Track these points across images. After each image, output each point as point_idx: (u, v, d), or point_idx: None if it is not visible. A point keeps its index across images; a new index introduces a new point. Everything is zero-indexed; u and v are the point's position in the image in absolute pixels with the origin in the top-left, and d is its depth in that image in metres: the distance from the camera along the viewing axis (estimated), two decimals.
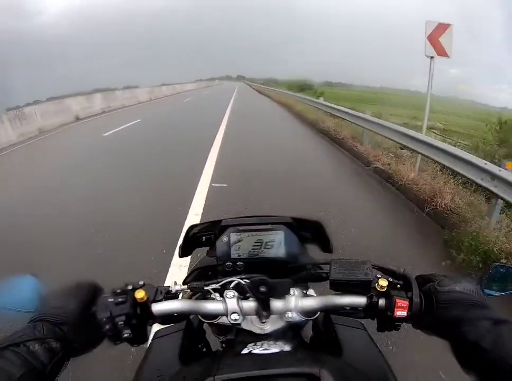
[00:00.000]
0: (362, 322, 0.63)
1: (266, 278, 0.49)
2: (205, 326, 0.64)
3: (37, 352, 0.38)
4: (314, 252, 0.65)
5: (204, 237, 0.64)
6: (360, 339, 0.60)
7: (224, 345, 0.63)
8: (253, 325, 0.52)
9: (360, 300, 0.49)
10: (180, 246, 0.64)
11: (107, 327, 0.43)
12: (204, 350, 0.65)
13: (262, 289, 0.48)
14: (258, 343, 0.47)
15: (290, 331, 0.57)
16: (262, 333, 0.51)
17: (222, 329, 0.61)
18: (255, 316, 0.51)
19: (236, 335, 0.57)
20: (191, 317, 0.62)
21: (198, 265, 0.66)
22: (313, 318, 0.53)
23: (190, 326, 0.63)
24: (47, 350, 0.39)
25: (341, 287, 0.50)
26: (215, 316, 0.51)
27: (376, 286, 0.47)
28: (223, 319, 0.51)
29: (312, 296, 0.54)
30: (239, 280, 0.50)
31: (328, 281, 0.51)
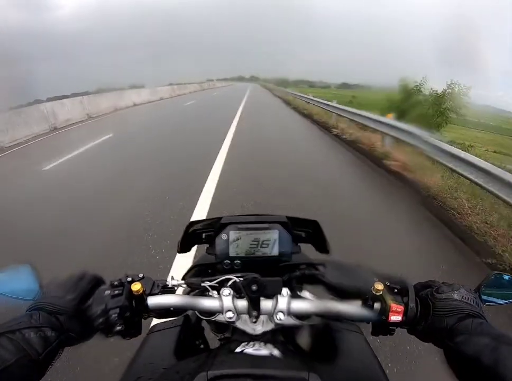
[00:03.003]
0: (359, 326, 0.63)
1: (258, 277, 0.49)
2: (204, 323, 0.65)
3: (32, 340, 0.39)
4: (312, 253, 0.65)
5: (204, 234, 0.64)
6: (356, 343, 0.59)
7: (221, 343, 0.63)
8: (246, 325, 0.52)
9: (356, 303, 0.48)
10: (179, 242, 0.65)
11: (100, 320, 0.44)
12: (202, 346, 0.65)
13: (254, 287, 0.48)
14: (251, 343, 0.47)
15: (284, 332, 0.57)
16: (254, 333, 0.51)
17: (220, 327, 0.61)
18: (246, 316, 0.50)
19: (232, 334, 0.57)
20: (189, 313, 0.62)
21: (198, 262, 0.66)
22: (305, 321, 0.52)
23: (187, 322, 0.63)
24: (42, 338, 0.40)
25: (335, 290, 0.50)
26: (212, 313, 0.51)
27: (372, 290, 0.47)
28: (220, 317, 0.51)
29: (306, 298, 0.54)
30: (234, 277, 0.50)
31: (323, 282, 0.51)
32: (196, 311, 0.52)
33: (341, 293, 0.50)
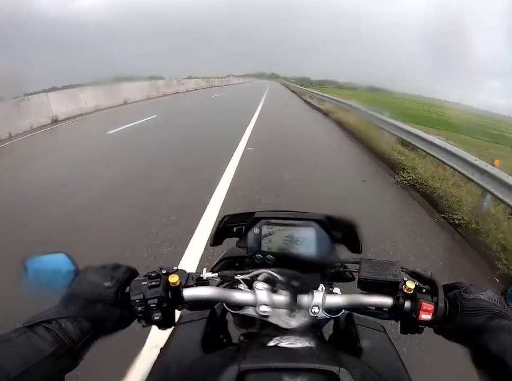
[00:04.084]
0: (383, 325, 0.64)
1: (297, 272, 0.50)
2: (228, 317, 0.65)
3: (69, 329, 0.39)
4: (341, 251, 0.64)
5: (235, 228, 0.64)
6: (381, 342, 0.60)
7: (243, 337, 0.64)
8: (279, 319, 0.52)
9: (387, 300, 0.49)
10: (211, 235, 0.65)
11: (139, 309, 0.45)
12: (225, 340, 0.66)
13: (293, 282, 0.49)
14: (284, 337, 0.47)
15: (312, 328, 0.57)
16: (287, 327, 0.52)
17: (244, 321, 0.61)
18: (281, 310, 0.51)
19: (260, 328, 0.57)
20: (215, 306, 0.63)
21: (226, 255, 0.66)
22: (336, 316, 0.53)
23: (214, 315, 0.64)
24: (78, 328, 0.40)
25: (369, 286, 0.51)
26: (241, 306, 0.51)
27: (403, 288, 0.48)
28: (248, 311, 0.51)
29: (339, 294, 0.54)
30: (272, 272, 0.51)
31: (355, 282, 0.52)
32: (224, 304, 0.53)
33: (374, 291, 0.50)
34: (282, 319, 0.52)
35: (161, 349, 0.57)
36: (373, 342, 0.58)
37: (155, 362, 0.54)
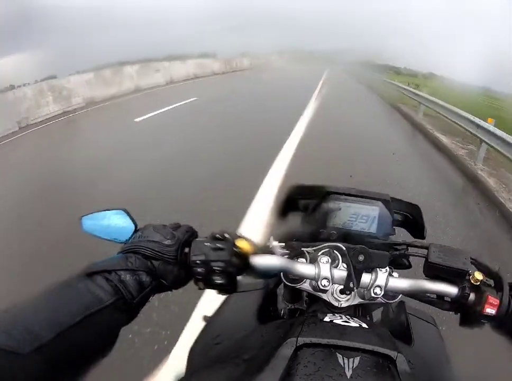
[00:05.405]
0: (435, 318, 0.62)
1: (366, 248, 0.47)
2: (278, 291, 0.65)
3: (128, 282, 0.39)
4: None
5: (302, 201, 0.64)
6: (431, 334, 0.58)
7: (289, 312, 0.63)
8: (333, 296, 0.51)
9: (452, 289, 0.47)
10: (278, 208, 0.64)
11: (199, 270, 0.44)
12: (272, 314, 0.65)
13: (360, 257, 0.47)
14: (337, 315, 0.46)
15: (364, 309, 0.57)
16: (340, 305, 0.51)
17: (294, 297, 0.61)
18: (337, 287, 0.50)
19: (308, 305, 0.56)
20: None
21: (293, 227, 0.65)
22: (393, 301, 0.52)
23: (267, 287, 0.64)
24: (137, 282, 0.40)
25: (436, 272, 0.48)
26: (298, 280, 0.51)
27: (470, 279, 0.46)
28: (305, 285, 0.51)
29: (401, 278, 0.52)
30: (340, 245, 0.49)
31: (422, 265, 0.49)
32: (282, 277, 0.52)
33: (440, 277, 0.48)
34: (336, 296, 0.51)
35: (209, 317, 0.56)
36: (423, 333, 0.56)
37: (202, 330, 0.53)
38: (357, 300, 0.51)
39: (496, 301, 0.44)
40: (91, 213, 0.48)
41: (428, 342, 0.56)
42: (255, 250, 0.48)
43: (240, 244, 0.46)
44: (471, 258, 0.49)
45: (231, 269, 0.45)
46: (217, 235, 0.47)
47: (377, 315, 0.64)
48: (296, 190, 0.63)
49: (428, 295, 0.50)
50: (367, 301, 0.50)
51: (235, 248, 0.46)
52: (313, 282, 0.48)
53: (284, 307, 0.64)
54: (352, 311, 0.52)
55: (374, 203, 0.58)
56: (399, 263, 0.56)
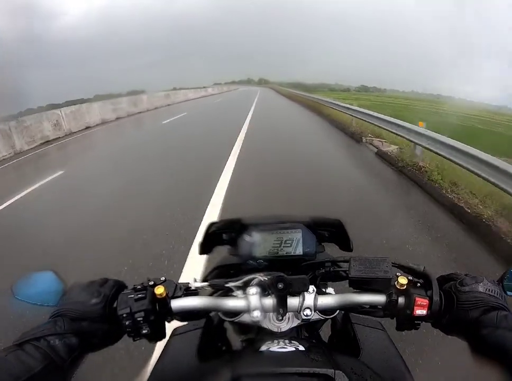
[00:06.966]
0: (382, 323, 0.62)
1: (284, 275, 0.48)
2: (227, 325, 0.64)
3: (57, 347, 0.39)
4: (334, 251, 0.62)
5: (224, 235, 0.64)
6: (380, 340, 0.59)
7: (244, 344, 0.63)
8: (271, 323, 0.52)
9: (380, 298, 0.48)
10: (199, 243, 0.64)
11: (127, 323, 0.44)
12: (224, 348, 0.65)
13: (280, 285, 0.47)
14: (275, 341, 0.46)
15: (308, 330, 0.57)
16: (279, 331, 0.51)
17: (243, 328, 0.61)
18: (273, 314, 0.50)
19: (257, 334, 0.56)
20: (211, 314, 0.62)
21: (219, 263, 0.66)
22: (331, 317, 0.52)
23: (209, 324, 0.63)
24: (67, 345, 0.40)
25: (361, 285, 0.50)
26: (236, 313, 0.51)
27: (396, 284, 0.47)
28: (244, 318, 0.51)
29: (331, 294, 0.54)
30: (259, 277, 0.50)
31: (347, 280, 0.51)
32: (219, 313, 0.52)
33: (366, 289, 0.50)
34: (273, 323, 0.51)
35: (156, 363, 0.56)
36: (371, 341, 0.57)
37: (150, 373, 0.53)
38: (296, 322, 0.52)
39: (425, 302, 0.45)
40: (20, 279, 0.47)
41: (377, 348, 0.56)
42: (176, 293, 0.48)
43: (158, 290, 0.46)
44: (393, 263, 0.50)
45: (153, 316, 0.45)
46: (139, 285, 0.47)
47: (327, 329, 0.64)
48: (215, 225, 0.64)
49: (363, 305, 0.51)
50: (305, 322, 0.51)
51: (155, 295, 0.46)
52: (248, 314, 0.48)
53: (238, 339, 0.64)
54: (295, 333, 0.53)
55: (295, 226, 0.60)
56: (335, 276, 0.57)
